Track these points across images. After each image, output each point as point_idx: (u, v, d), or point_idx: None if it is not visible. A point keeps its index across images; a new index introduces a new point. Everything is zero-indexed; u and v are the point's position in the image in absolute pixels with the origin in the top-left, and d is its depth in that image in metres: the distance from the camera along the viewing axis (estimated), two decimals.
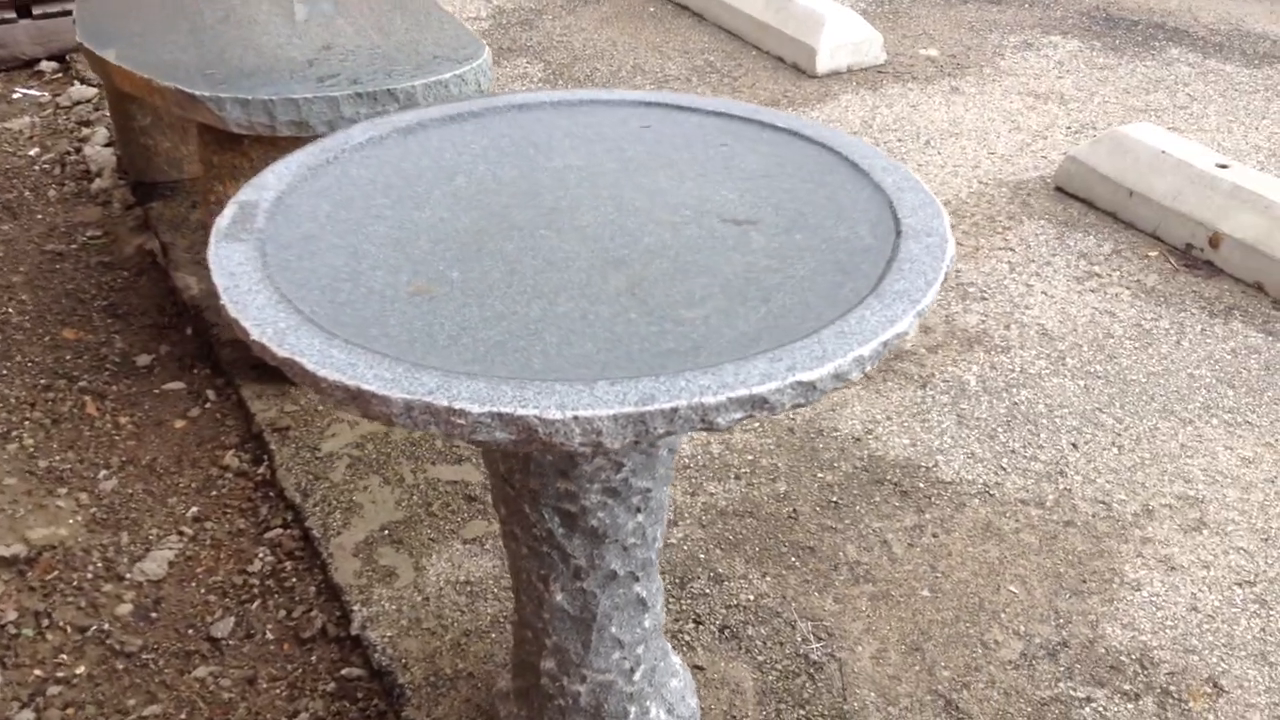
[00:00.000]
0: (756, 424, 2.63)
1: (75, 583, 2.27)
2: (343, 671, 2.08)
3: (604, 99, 1.83)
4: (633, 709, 1.79)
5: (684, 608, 2.17)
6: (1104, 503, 2.42)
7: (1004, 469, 2.51)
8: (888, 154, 3.88)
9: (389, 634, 2.11)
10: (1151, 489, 2.46)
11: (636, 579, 1.69)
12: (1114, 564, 2.27)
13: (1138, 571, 2.25)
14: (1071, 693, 2.00)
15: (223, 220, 1.43)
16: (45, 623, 2.18)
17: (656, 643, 1.81)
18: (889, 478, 2.49)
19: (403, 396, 1.13)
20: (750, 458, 2.54)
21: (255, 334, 1.22)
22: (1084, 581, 2.23)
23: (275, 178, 1.54)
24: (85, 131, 4.13)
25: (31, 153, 4.00)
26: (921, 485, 2.47)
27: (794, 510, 2.40)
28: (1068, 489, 2.46)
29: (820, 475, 2.49)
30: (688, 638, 2.11)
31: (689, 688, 1.92)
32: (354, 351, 1.19)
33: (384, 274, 1.39)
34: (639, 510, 1.60)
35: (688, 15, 5.22)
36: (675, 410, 1.14)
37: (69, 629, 2.17)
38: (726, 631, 2.12)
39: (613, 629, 1.71)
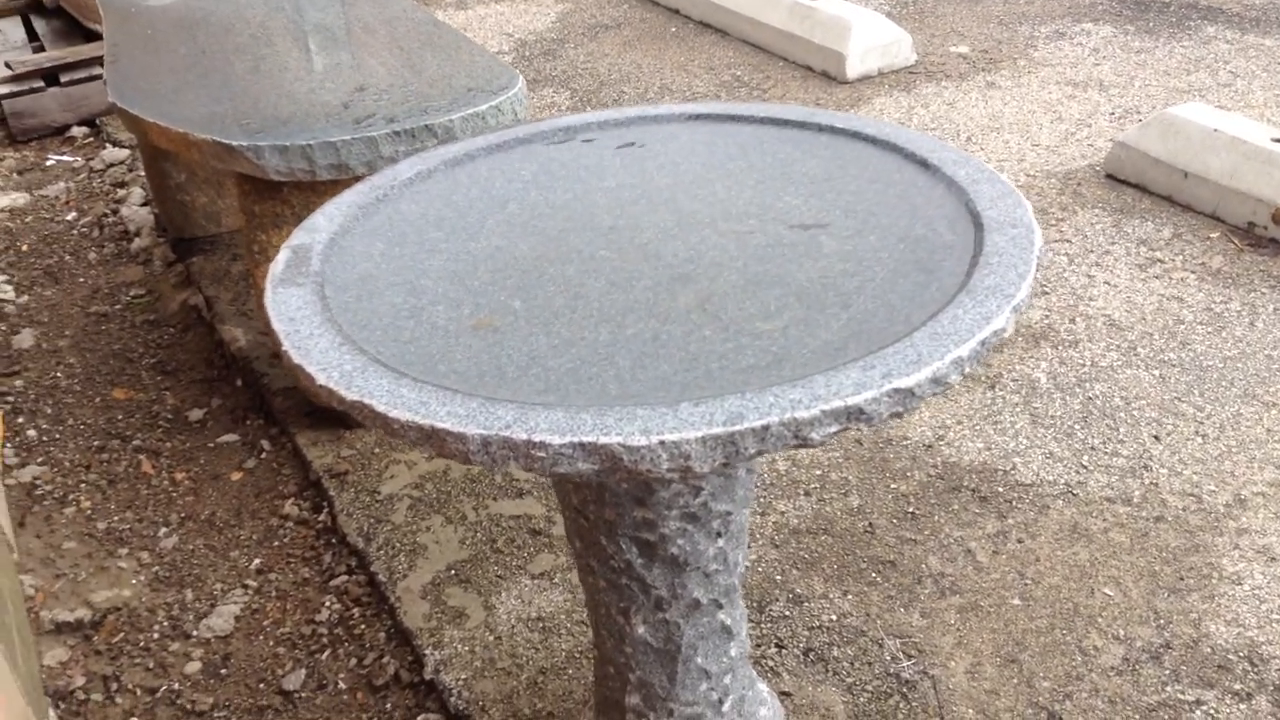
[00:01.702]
0: None
1: (142, 644, 2.23)
2: (419, 718, 2.02)
3: (651, 114, 1.77)
4: None
5: (765, 632, 2.09)
6: (1194, 495, 2.32)
7: (1085, 467, 2.42)
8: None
9: (464, 676, 2.05)
10: (1242, 477, 2.36)
11: (720, 606, 1.62)
12: (1211, 558, 2.17)
13: (1236, 564, 2.16)
14: (1180, 696, 1.91)
15: (277, 266, 1.39)
16: (114, 686, 2.14)
17: (744, 671, 1.74)
18: (966, 484, 2.40)
19: (479, 432, 1.08)
20: (819, 473, 2.47)
21: (321, 378, 1.17)
22: (1181, 579, 2.13)
23: (326, 219, 1.50)
24: (121, 193, 4.14)
25: (69, 217, 4.01)
26: (1000, 489, 2.38)
27: (870, 524, 2.32)
28: (1154, 483, 2.36)
29: (894, 486, 2.41)
30: (771, 663, 2.03)
31: (778, 716, 1.84)
32: (424, 389, 1.14)
33: (445, 308, 1.34)
34: (720, 535, 1.54)
35: (711, 33, 5.18)
36: (767, 428, 1.08)
37: (138, 691, 2.13)
38: (811, 654, 2.04)
39: (698, 659, 1.64)
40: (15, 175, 4.38)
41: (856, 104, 4.29)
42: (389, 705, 2.06)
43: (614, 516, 1.48)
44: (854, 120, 1.68)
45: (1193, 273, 3.06)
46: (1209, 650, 1.99)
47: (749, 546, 2.27)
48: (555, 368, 1.22)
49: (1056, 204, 3.47)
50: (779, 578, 2.21)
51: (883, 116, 4.17)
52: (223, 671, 2.17)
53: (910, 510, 2.34)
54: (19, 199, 4.16)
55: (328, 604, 2.29)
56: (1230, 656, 1.97)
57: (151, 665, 2.19)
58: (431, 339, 1.28)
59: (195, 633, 2.25)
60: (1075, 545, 2.22)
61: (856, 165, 1.59)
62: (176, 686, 2.14)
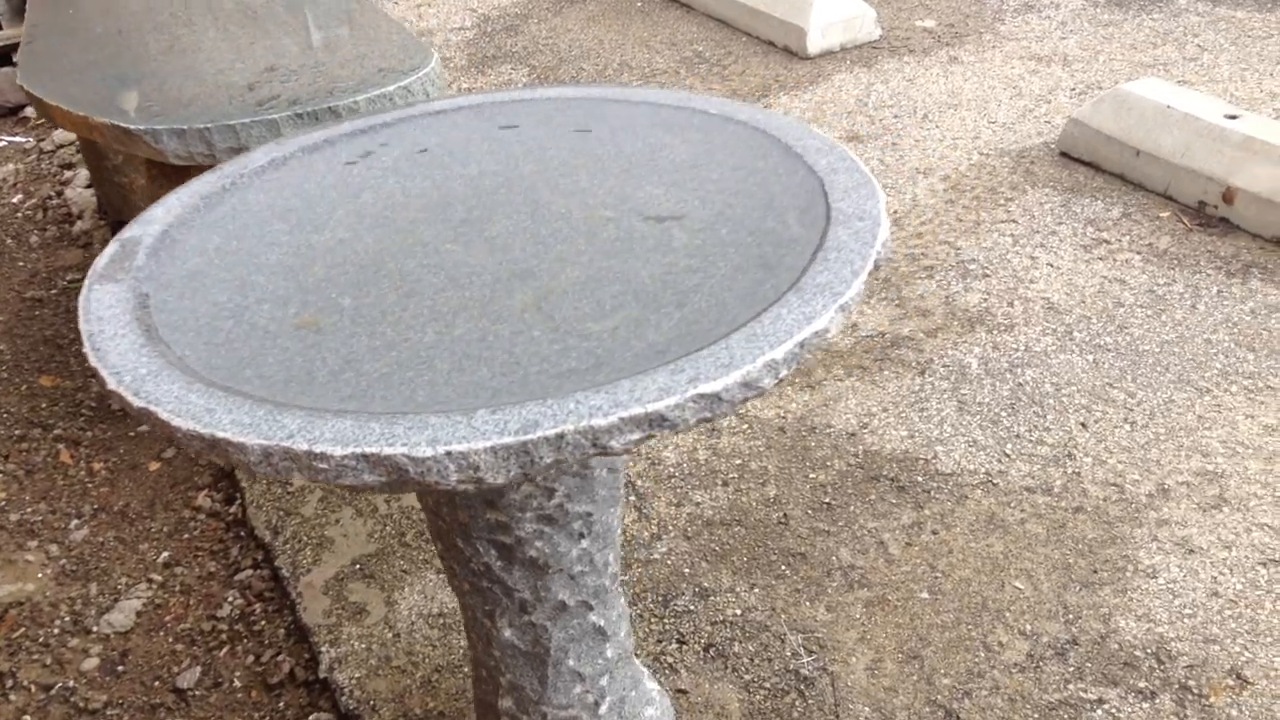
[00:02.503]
0: (745, 426, 2.50)
1: (42, 639, 2.20)
2: (311, 717, 1.98)
3: (526, 98, 1.71)
4: None
5: (667, 627, 2.05)
6: (1116, 485, 2.27)
7: (1008, 455, 2.37)
8: (879, 131, 3.72)
9: (357, 675, 2.01)
10: (1167, 466, 2.30)
11: (590, 608, 1.57)
12: (1127, 550, 2.12)
13: (1153, 557, 2.10)
14: (1082, 694, 1.86)
15: (100, 261, 1.34)
16: (9, 683, 2.10)
17: (624, 672, 1.70)
18: (885, 473, 2.35)
19: (260, 443, 1.03)
20: (739, 462, 2.41)
21: (112, 383, 1.12)
22: (1095, 572, 2.08)
23: (164, 211, 1.45)
24: (67, 174, 4.08)
25: (15, 200, 3.96)
26: (920, 479, 2.33)
27: (784, 515, 2.27)
28: (1077, 472, 2.31)
29: (812, 476, 2.36)
30: (671, 659, 1.99)
31: (667, 716, 1.80)
32: (214, 396, 1.09)
33: (270, 307, 1.29)
34: (583, 536, 1.49)
35: (676, 7, 5.09)
36: (562, 436, 1.02)
37: (33, 688, 2.09)
38: (712, 650, 2.00)
39: (570, 662, 1.60)
40: None
41: (816, 80, 4.21)
42: (282, 704, 2.02)
43: (467, 519, 1.43)
44: (727, 105, 1.61)
45: (1138, 254, 2.99)
46: (1116, 647, 1.94)
47: (660, 538, 2.23)
48: (369, 372, 1.17)
49: (1007, 183, 3.39)
50: (687, 571, 2.16)
51: (841, 93, 4.10)
52: (120, 669, 2.13)
53: (827, 501, 2.29)
54: None
55: (230, 599, 2.25)
56: (1137, 653, 1.92)
57: (49, 662, 2.15)
58: (247, 341, 1.22)
59: (96, 628, 2.22)
60: (990, 537, 2.17)
61: (725, 151, 1.52)
62: (72, 684, 2.10)
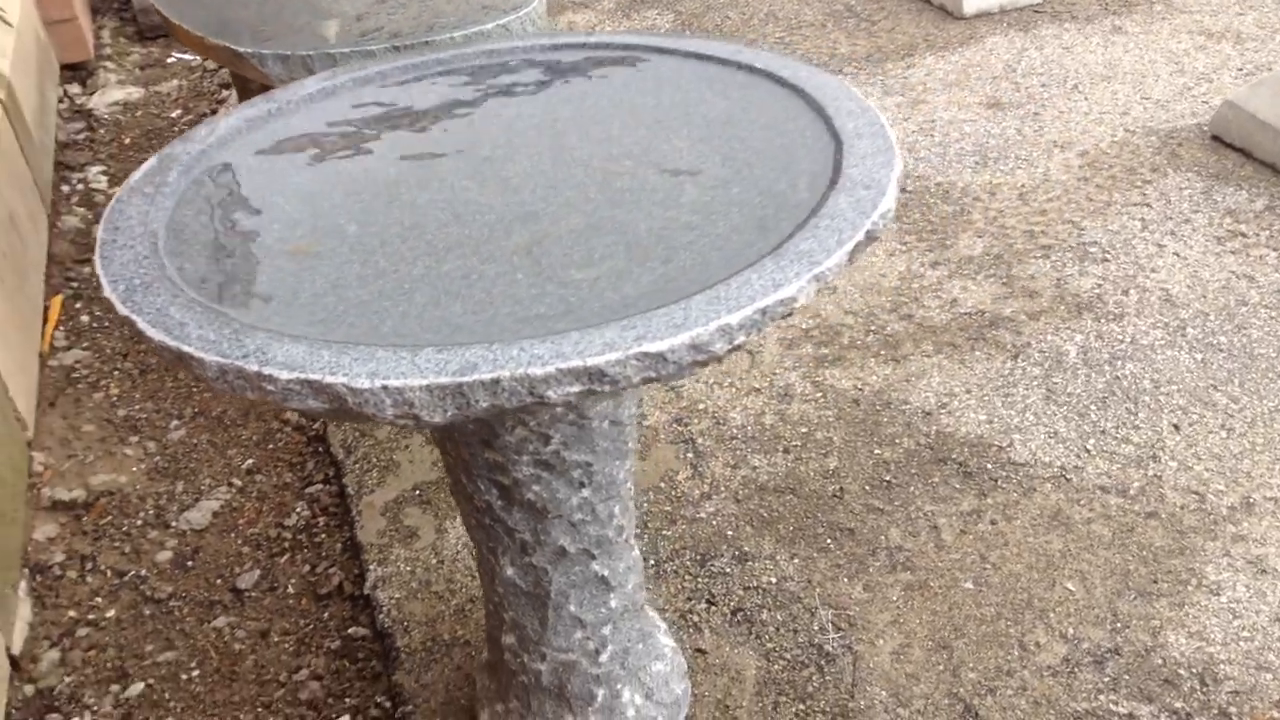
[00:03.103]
0: (820, 394, 2.46)
1: (125, 528, 2.35)
2: (349, 630, 2.07)
3: (577, 42, 1.70)
4: (600, 691, 1.69)
5: (700, 586, 2.04)
6: (1197, 493, 2.13)
7: (1088, 451, 2.25)
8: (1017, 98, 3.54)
9: (397, 595, 2.08)
10: (1258, 479, 2.15)
11: (593, 556, 1.58)
12: (1194, 563, 2.00)
13: (1221, 573, 1.97)
14: (1112, 707, 1.77)
15: (136, 174, 1.40)
16: (89, 566, 2.26)
17: (631, 624, 1.71)
18: (954, 456, 2.27)
19: (217, 360, 1.07)
20: (805, 430, 2.37)
21: (108, 290, 1.18)
22: (1154, 581, 1.97)
23: (208, 130, 1.51)
24: (225, 94, 4.28)
25: (174, 114, 4.18)
26: (989, 466, 2.24)
27: (840, 488, 2.22)
28: (1158, 476, 2.18)
29: (877, 452, 2.30)
30: (697, 618, 1.98)
31: (676, 673, 1.80)
32: (191, 311, 1.13)
33: (281, 228, 1.33)
34: (583, 485, 1.50)
35: None
36: (497, 381, 1.03)
37: (109, 573, 2.25)
38: (739, 615, 1.98)
39: (571, 607, 1.61)
40: (137, 71, 4.59)
41: (966, 42, 4.04)
42: (326, 615, 2.11)
43: (467, 455, 1.46)
44: (774, 60, 1.56)
45: (1275, 250, 2.78)
46: (1159, 662, 1.83)
47: (709, 498, 2.22)
48: (349, 298, 1.20)
49: (1148, 164, 3.19)
50: (730, 533, 2.14)
51: (991, 57, 3.92)
52: (189, 564, 2.26)
53: (887, 478, 2.23)
54: (135, 93, 4.36)
55: (299, 510, 2.35)
56: (1181, 671, 1.81)
57: (128, 550, 2.30)
58: (246, 260, 1.27)
59: (174, 524, 2.36)
60: (1051, 533, 2.08)
61: (759, 109, 1.48)
62: (144, 573, 2.24)
